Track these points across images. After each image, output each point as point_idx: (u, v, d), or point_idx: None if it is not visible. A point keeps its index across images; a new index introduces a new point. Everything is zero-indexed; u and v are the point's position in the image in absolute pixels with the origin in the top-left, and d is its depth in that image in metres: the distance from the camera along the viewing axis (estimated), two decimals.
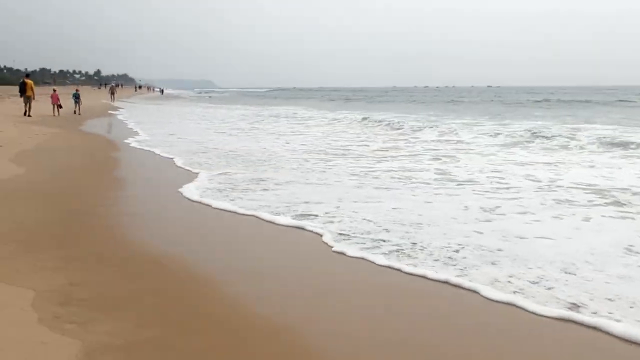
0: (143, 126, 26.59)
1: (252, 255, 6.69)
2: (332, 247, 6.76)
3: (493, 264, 6.14)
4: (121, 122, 30.62)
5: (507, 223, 7.94)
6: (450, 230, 7.53)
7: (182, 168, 12.98)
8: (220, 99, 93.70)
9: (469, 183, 11.27)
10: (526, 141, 19.66)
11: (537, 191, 10.30)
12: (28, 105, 30.84)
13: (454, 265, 6.12)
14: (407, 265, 6.08)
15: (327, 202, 9.19)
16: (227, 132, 25.12)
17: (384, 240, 6.99)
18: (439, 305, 5.21)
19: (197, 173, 12.06)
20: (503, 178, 11.90)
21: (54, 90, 34.97)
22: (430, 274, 5.80)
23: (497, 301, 5.14)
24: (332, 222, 7.90)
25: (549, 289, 5.36)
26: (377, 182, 11.38)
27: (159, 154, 15.56)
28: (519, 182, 11.29)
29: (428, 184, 11.25)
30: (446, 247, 6.75)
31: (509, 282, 5.59)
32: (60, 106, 32.94)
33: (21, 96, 31.36)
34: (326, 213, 8.40)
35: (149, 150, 16.44)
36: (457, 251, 6.60)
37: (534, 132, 21.35)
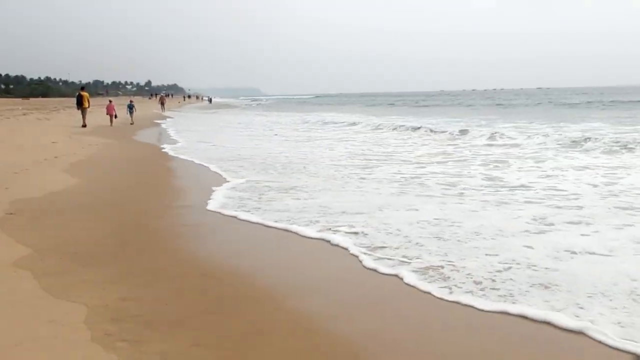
0: (190, 135, 26.89)
1: (299, 270, 6.53)
2: (362, 261, 6.44)
3: (546, 287, 5.48)
4: (170, 132, 30.96)
5: (561, 235, 7.33)
6: (496, 244, 6.96)
7: (224, 178, 12.96)
8: (268, 106, 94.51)
9: (520, 189, 10.85)
10: (582, 143, 18.74)
11: (596, 198, 9.80)
12: (84, 115, 31.82)
13: (496, 288, 5.48)
14: (440, 287, 5.56)
15: (364, 212, 8.90)
16: (277, 140, 25.09)
17: (417, 258, 6.48)
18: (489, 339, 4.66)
19: (241, 183, 12.01)
20: (558, 183, 11.41)
21: (110, 102, 36.02)
22: (465, 299, 5.24)
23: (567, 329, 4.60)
24: (365, 233, 7.58)
25: (618, 324, 4.61)
26: (420, 189, 11.07)
27: (204, 165, 15.55)
28: (577, 188, 10.79)
29: (476, 190, 10.84)
30: (488, 265, 6.15)
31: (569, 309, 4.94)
32: (115, 116, 33.97)
33: (78, 108, 32.43)
34: (361, 224, 8.06)
35: (199, 164, 16.44)
36: (500, 271, 5.95)
37: (590, 135, 20.51)
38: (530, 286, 5.52)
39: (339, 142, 23.38)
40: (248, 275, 6.14)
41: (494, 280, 5.70)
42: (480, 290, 5.45)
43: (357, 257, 6.60)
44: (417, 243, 7.04)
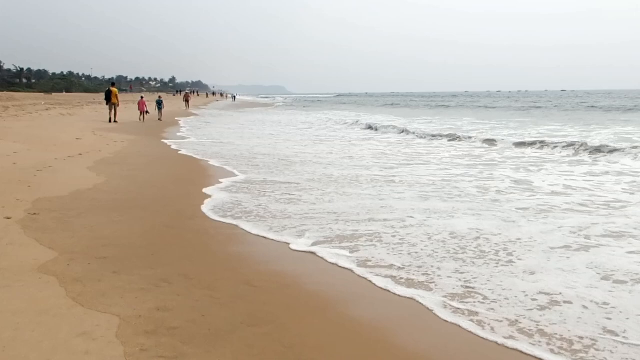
0: (216, 135, 26.61)
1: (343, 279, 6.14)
2: (375, 283, 5.82)
3: (614, 333, 4.58)
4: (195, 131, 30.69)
5: (605, 254, 6.67)
6: (533, 266, 6.26)
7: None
8: (295, 105, 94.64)
9: (555, 195, 10.48)
10: (615, 150, 17.50)
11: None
12: (114, 111, 32.13)
13: (545, 334, 4.56)
14: (469, 321, 4.83)
15: (386, 219, 8.50)
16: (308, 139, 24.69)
17: (439, 277, 5.86)
18: None
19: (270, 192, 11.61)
20: (597, 191, 10.94)
21: (142, 98, 36.82)
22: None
23: None
24: (375, 246, 7.10)
25: None
26: (444, 193, 10.76)
27: (224, 167, 15.26)
28: (616, 196, 10.37)
29: (505, 195, 10.56)
30: (524, 295, 5.36)
31: None
32: (147, 112, 34.83)
33: (107, 104, 32.67)
34: (378, 236, 7.57)
35: (225, 167, 16.15)
36: (544, 308, 5.08)
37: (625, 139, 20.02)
38: (593, 337, 4.52)
39: (366, 142, 22.94)
40: (292, 284, 5.76)
41: (537, 324, 4.79)
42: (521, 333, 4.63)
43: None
44: (438, 267, 6.22)
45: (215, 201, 9.76)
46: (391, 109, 72.58)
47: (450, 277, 5.89)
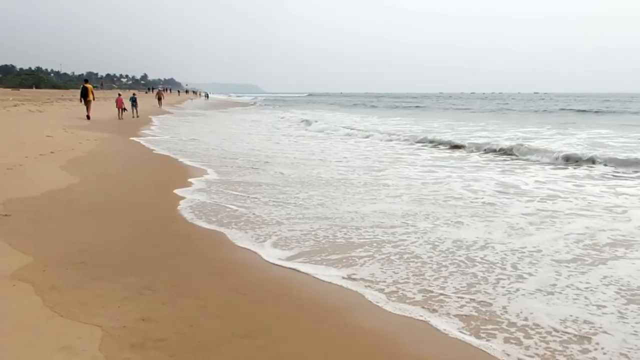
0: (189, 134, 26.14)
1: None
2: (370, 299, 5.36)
3: None
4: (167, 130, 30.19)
5: (623, 268, 6.22)
6: (545, 285, 5.69)
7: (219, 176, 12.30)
8: (272, 104, 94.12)
9: (549, 199, 10.30)
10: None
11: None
12: (89, 107, 32.05)
13: None
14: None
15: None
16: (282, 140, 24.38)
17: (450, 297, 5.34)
18: None
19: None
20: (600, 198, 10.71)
21: (119, 95, 37.14)
22: None
23: None
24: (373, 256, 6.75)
25: None
26: (435, 198, 10.55)
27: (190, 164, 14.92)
28: (623, 201, 10.22)
29: (500, 203, 10.31)
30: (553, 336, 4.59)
31: None
32: (124, 109, 35.11)
33: (83, 101, 32.55)
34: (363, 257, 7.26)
35: (196, 164, 15.81)
36: (573, 341, 4.46)
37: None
38: None
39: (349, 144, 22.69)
40: (284, 292, 5.49)
41: None
42: None
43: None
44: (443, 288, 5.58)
45: (193, 202, 9.42)
46: (363, 109, 72.92)
47: (461, 297, 5.39)
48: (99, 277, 5.53)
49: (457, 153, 18.97)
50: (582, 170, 14.29)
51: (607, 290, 5.58)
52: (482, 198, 10.30)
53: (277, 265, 6.26)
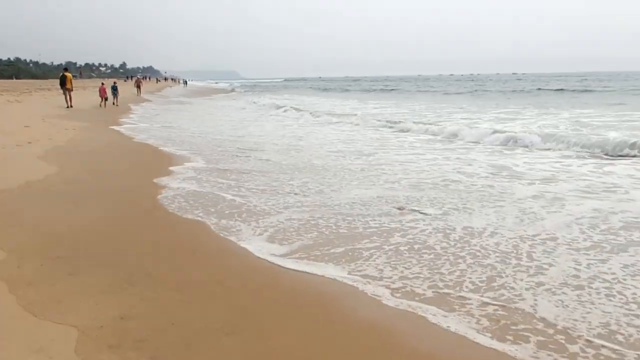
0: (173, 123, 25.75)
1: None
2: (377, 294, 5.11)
3: None
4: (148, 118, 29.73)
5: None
6: (566, 271, 5.35)
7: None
8: (251, 90, 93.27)
9: (549, 182, 10.19)
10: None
11: None
12: (68, 96, 32.15)
13: None
14: None
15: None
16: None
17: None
18: None
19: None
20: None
21: (102, 84, 37.66)
22: None
23: None
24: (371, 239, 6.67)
25: None
26: (434, 182, 10.37)
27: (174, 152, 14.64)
28: (618, 181, 10.08)
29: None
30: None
31: None
32: (107, 98, 35.54)
33: (61, 88, 32.93)
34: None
35: (177, 151, 15.50)
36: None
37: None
38: None
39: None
40: (271, 284, 5.24)
41: None
42: None
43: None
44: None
45: (178, 191, 9.14)
46: (340, 93, 72.60)
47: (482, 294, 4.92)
48: (76, 271, 5.27)
49: (439, 136, 18.74)
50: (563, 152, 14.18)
51: (636, 282, 5.16)
52: (481, 181, 10.11)
53: (276, 265, 5.76)
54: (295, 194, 9.02)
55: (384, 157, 13.55)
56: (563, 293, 4.88)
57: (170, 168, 11.48)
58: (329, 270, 5.53)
